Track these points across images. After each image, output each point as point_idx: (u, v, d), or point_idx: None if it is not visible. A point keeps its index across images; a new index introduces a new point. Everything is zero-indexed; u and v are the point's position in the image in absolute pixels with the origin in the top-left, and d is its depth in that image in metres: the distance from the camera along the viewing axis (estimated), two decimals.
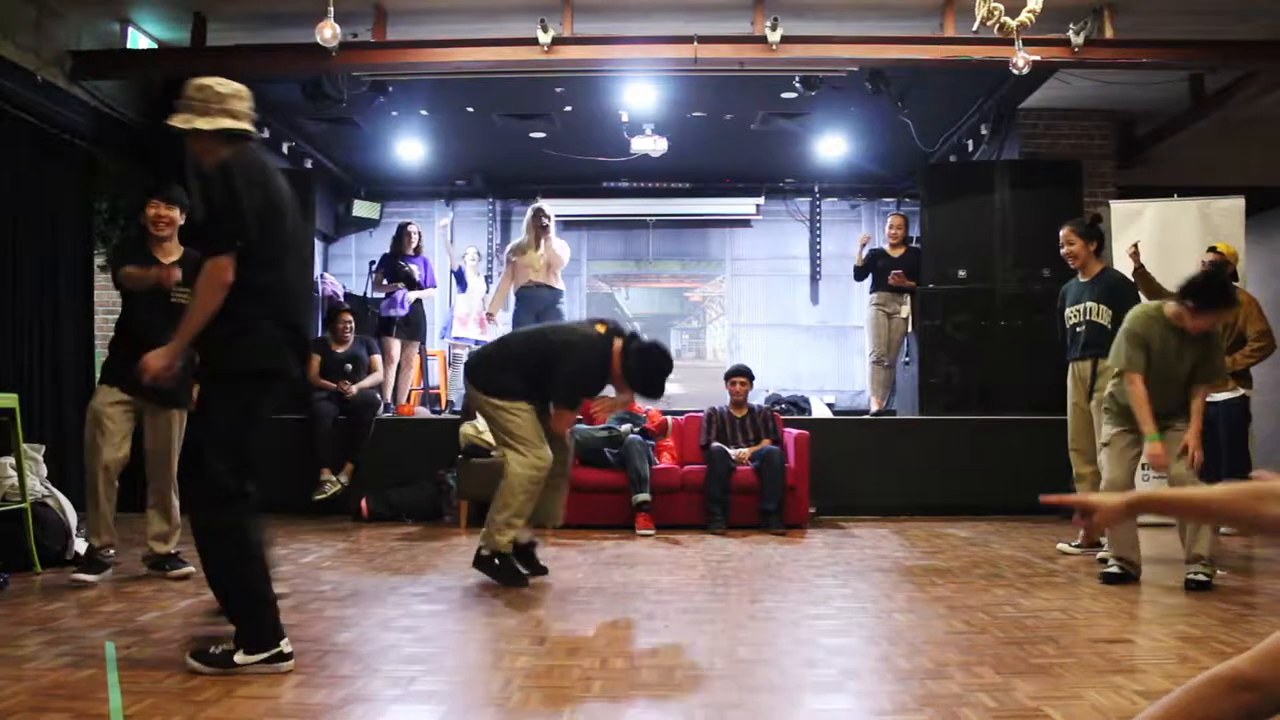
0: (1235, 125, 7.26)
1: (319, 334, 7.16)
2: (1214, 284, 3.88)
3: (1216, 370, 4.03)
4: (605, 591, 3.91)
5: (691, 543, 5.24)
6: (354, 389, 6.50)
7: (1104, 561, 4.26)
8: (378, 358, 6.89)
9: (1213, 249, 5.77)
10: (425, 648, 2.96)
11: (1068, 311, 4.96)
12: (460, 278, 8.46)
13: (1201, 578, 3.86)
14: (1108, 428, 4.23)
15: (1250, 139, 7.48)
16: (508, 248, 7.87)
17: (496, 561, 3.96)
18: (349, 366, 6.64)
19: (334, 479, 6.25)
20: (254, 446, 2.79)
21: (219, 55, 6.29)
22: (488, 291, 8.43)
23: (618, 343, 4.08)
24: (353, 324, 6.80)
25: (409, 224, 7.87)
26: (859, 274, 7.61)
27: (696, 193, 10.15)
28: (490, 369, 4.14)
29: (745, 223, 10.46)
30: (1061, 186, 7.13)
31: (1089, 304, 4.78)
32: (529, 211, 7.43)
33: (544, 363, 4.06)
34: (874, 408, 7.53)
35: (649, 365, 4.05)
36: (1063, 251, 4.94)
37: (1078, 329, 4.86)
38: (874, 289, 7.52)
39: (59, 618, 3.32)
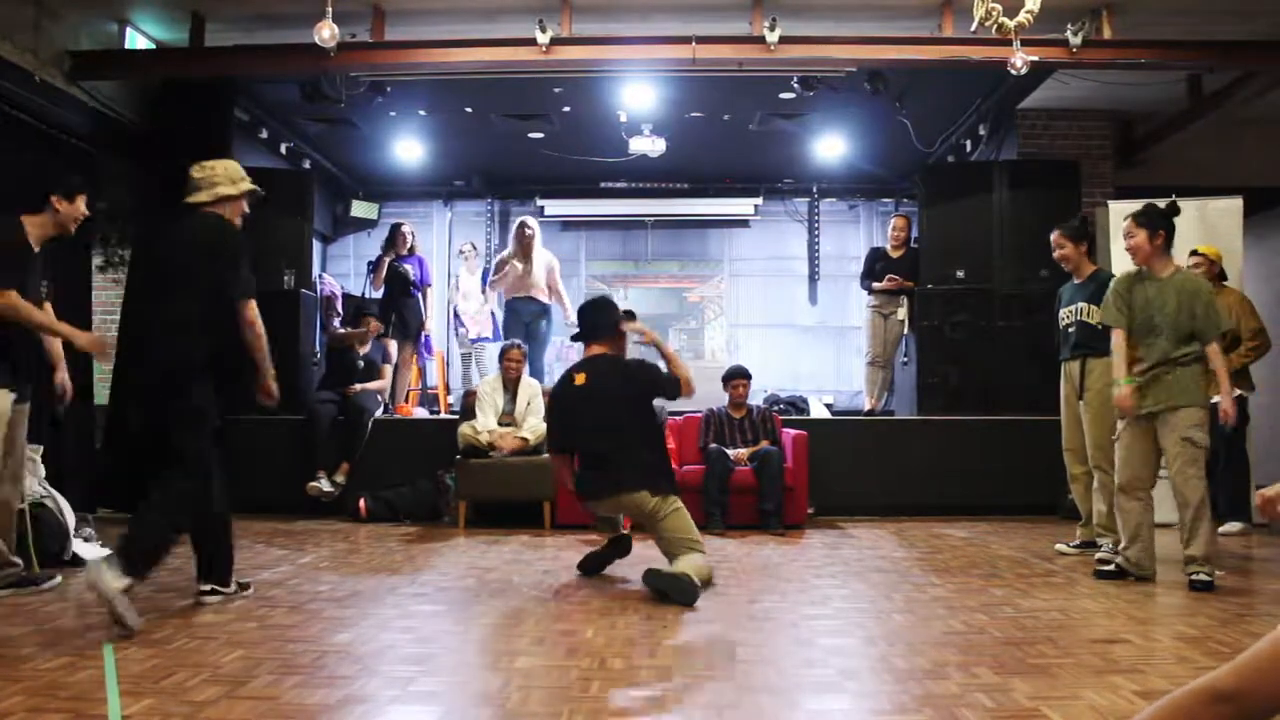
0: (1233, 125, 7.27)
1: (317, 332, 7.19)
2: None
3: (1215, 325, 3.97)
4: (604, 592, 3.92)
5: None
6: (356, 388, 6.52)
7: (1103, 562, 4.27)
8: (388, 368, 6.97)
9: (1194, 252, 5.77)
10: (423, 648, 2.96)
11: (1061, 313, 4.97)
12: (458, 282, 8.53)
13: (1204, 577, 3.85)
14: (1118, 424, 4.22)
15: (1248, 139, 7.49)
16: (497, 257, 7.99)
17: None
18: (360, 364, 6.70)
19: (330, 480, 6.24)
20: None
21: (217, 56, 6.31)
22: (484, 290, 8.45)
23: (592, 343, 4.24)
24: (381, 327, 6.93)
25: (402, 224, 7.89)
26: (864, 280, 7.68)
27: (695, 193, 10.15)
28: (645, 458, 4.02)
29: (744, 223, 10.46)
30: (1060, 187, 7.14)
31: (1081, 304, 4.79)
32: (514, 224, 7.73)
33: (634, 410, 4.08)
34: (867, 407, 7.56)
35: (600, 312, 4.29)
36: (1055, 255, 4.95)
37: (1069, 329, 4.88)
38: (871, 291, 7.56)
39: (57, 618, 3.32)
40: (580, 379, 4.12)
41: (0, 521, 3.82)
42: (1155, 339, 4.06)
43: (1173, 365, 3.98)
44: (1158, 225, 4.12)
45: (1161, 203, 4.30)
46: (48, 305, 3.99)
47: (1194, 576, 3.88)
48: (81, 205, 3.88)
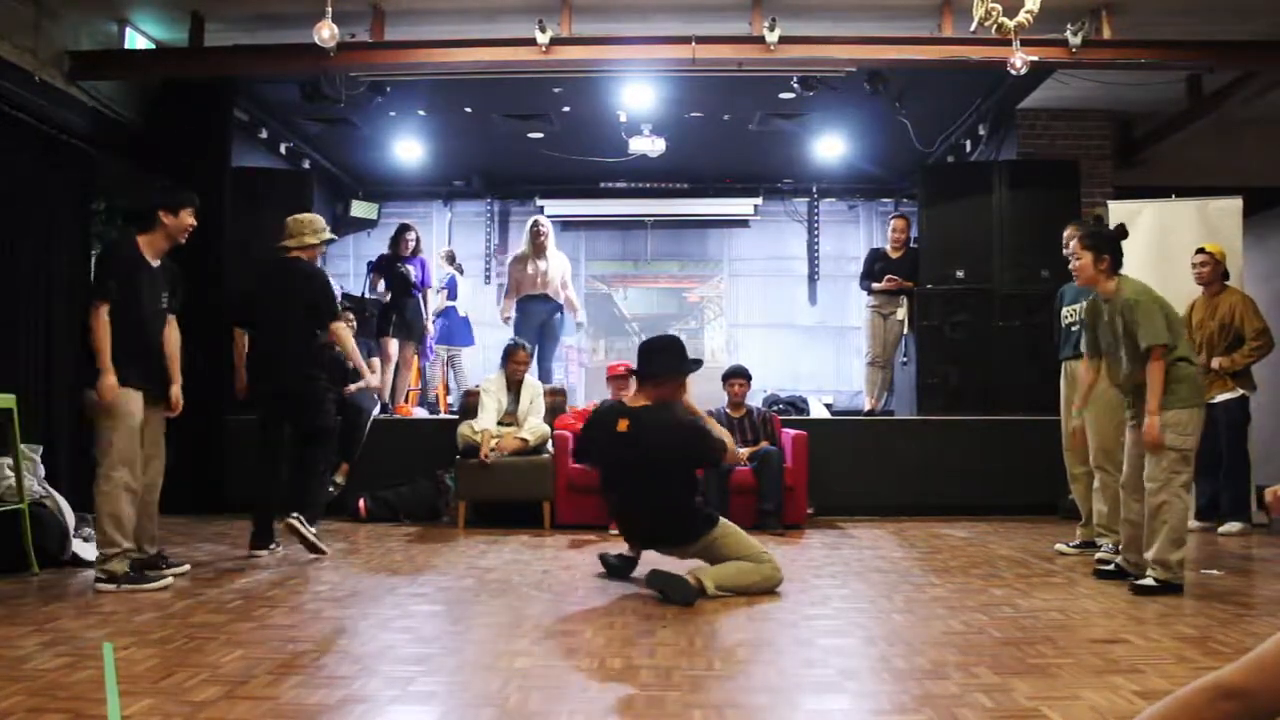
0: (1233, 125, 7.27)
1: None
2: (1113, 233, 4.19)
3: (1143, 336, 3.85)
4: (603, 592, 3.92)
5: None
6: (352, 388, 6.51)
7: (1103, 562, 4.27)
8: (376, 360, 6.94)
9: (1201, 250, 5.77)
10: (423, 648, 2.96)
11: (1064, 311, 4.97)
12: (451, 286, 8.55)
13: (1149, 582, 3.78)
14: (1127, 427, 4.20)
15: (1248, 139, 7.49)
16: (509, 258, 8.03)
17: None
18: (349, 364, 6.67)
19: (330, 480, 6.23)
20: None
21: (217, 56, 6.30)
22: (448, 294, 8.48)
23: (649, 384, 4.04)
24: (354, 324, 6.89)
25: (409, 227, 7.88)
26: (864, 280, 7.67)
27: (694, 193, 10.15)
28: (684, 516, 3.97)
29: (743, 223, 10.46)
30: (1059, 187, 7.13)
31: (1084, 303, 4.78)
32: (527, 224, 7.79)
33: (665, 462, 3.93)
34: (867, 407, 7.56)
35: (667, 354, 4.09)
36: (1067, 251, 4.94)
37: (1072, 328, 4.87)
38: (871, 291, 7.57)
39: (56, 618, 3.32)
40: (623, 425, 3.94)
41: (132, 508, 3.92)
42: (1114, 359, 4.06)
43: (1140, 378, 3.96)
44: (1104, 250, 4.07)
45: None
46: (172, 319, 4.16)
47: (1139, 580, 3.82)
48: (187, 217, 4.11)
